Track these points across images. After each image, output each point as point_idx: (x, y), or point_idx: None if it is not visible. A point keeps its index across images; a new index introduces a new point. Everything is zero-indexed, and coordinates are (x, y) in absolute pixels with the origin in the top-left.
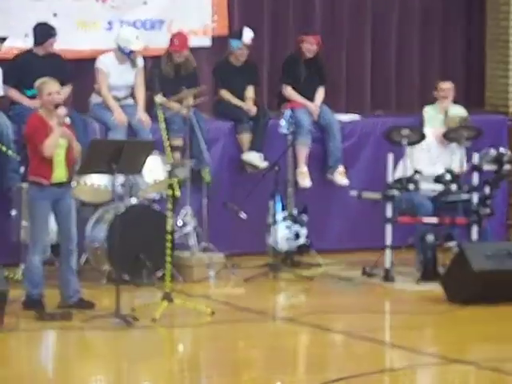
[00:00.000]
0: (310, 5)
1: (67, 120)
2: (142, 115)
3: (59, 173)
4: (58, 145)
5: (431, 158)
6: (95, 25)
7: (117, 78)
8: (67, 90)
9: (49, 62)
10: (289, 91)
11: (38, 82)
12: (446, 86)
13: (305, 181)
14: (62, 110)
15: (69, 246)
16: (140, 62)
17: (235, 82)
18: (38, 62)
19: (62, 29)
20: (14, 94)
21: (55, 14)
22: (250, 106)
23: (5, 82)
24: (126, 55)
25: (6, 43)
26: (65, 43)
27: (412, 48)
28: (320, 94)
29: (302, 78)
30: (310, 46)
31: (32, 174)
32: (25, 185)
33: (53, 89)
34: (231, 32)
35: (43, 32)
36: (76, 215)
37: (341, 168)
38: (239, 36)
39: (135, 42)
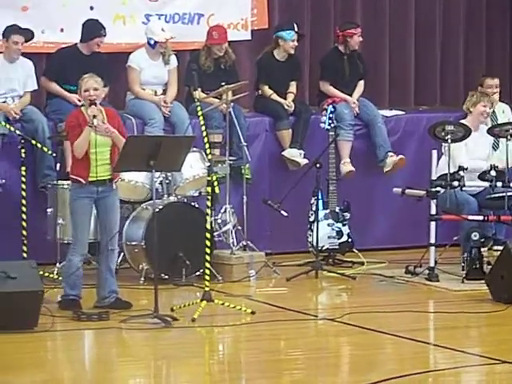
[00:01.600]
0: None
1: (95, 121)
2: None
3: (100, 171)
4: (94, 144)
5: (468, 151)
6: (132, 18)
7: (149, 73)
8: (105, 91)
9: (91, 61)
10: (327, 87)
11: (80, 79)
12: (494, 83)
13: (347, 166)
14: (93, 110)
15: (109, 245)
16: (173, 60)
17: (278, 76)
18: (80, 59)
19: None
20: (55, 88)
21: (92, 8)
22: (289, 103)
23: (46, 75)
24: (151, 47)
25: (41, 37)
26: None
27: (457, 43)
28: (359, 87)
29: (347, 73)
30: (357, 39)
31: (71, 171)
32: (60, 182)
33: (89, 85)
34: (277, 25)
35: (91, 30)
36: (119, 211)
37: (390, 153)
38: (292, 27)
39: (160, 33)
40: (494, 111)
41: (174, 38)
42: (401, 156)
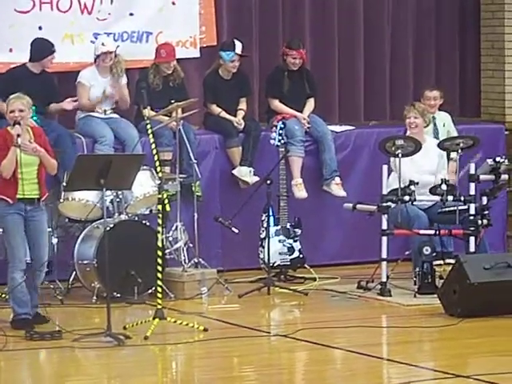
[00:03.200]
0: (300, 14)
1: (19, 140)
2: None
3: (29, 189)
4: (20, 163)
5: (416, 165)
6: (81, 37)
7: (99, 91)
8: (56, 107)
9: (40, 80)
10: (275, 104)
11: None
12: (433, 95)
13: (301, 192)
14: (17, 129)
15: (38, 265)
16: (123, 79)
17: (226, 95)
18: (30, 79)
19: None
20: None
21: (40, 27)
22: (239, 120)
23: None
24: (95, 63)
25: None
26: None
27: (406, 57)
28: (309, 105)
29: (285, 89)
30: (292, 60)
31: None
32: None
33: (15, 106)
34: (220, 44)
35: (42, 48)
36: (47, 233)
37: (337, 179)
38: (232, 47)
39: (99, 47)
40: (435, 124)
41: (116, 48)
42: (344, 195)
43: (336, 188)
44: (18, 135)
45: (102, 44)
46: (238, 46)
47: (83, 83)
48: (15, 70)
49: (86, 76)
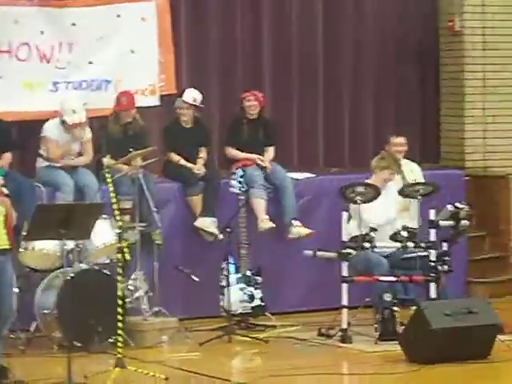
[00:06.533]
0: (259, 62)
1: (5, 190)
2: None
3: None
4: None
5: (374, 209)
6: (40, 86)
7: (64, 146)
8: (8, 156)
9: None
10: (231, 152)
11: None
12: (400, 141)
13: (268, 224)
14: None
15: (8, 318)
16: (86, 133)
17: (185, 144)
18: None
19: (7, 90)
20: None
21: (0, 76)
22: (199, 168)
23: None
24: (61, 123)
25: None
26: (10, 105)
27: (365, 104)
28: (269, 153)
29: (245, 137)
30: (248, 103)
31: None
32: None
33: None
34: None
35: None
36: (15, 283)
37: (296, 222)
38: (180, 95)
39: (70, 114)
40: (401, 170)
41: (82, 122)
42: (309, 231)
43: (299, 229)
44: (4, 185)
45: (74, 112)
46: (187, 94)
47: (51, 138)
48: None
49: (52, 130)
